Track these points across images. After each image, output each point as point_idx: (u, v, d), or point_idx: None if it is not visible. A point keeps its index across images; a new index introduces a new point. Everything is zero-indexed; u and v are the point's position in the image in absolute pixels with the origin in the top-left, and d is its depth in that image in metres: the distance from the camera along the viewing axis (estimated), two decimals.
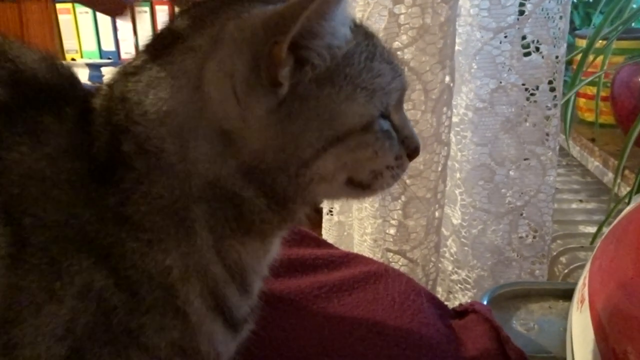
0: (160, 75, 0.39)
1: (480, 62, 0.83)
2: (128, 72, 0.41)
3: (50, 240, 0.35)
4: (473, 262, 0.93)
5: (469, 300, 0.95)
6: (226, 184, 0.39)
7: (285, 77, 0.38)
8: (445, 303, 1.00)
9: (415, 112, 0.76)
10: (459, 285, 0.96)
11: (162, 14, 2.31)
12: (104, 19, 2.34)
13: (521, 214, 0.90)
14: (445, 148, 0.82)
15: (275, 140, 0.39)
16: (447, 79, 0.78)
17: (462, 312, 0.68)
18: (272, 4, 0.42)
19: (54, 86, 0.41)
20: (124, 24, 2.35)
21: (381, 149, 0.43)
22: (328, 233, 1.06)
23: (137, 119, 0.38)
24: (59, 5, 2.35)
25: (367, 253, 0.87)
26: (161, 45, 0.41)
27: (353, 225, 0.93)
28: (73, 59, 2.42)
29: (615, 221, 0.61)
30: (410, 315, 0.64)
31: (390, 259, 0.84)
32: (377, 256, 0.85)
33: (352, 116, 0.41)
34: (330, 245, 0.80)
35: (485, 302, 0.72)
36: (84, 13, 2.37)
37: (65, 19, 2.38)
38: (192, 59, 0.39)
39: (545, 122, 0.86)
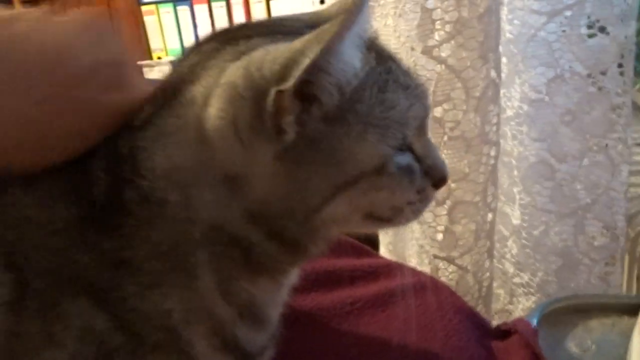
0: (165, 131, 0.38)
1: (534, 50, 0.75)
2: (135, 126, 0.40)
3: (49, 285, 0.36)
4: (536, 265, 0.86)
5: (533, 305, 0.89)
6: (232, 229, 0.39)
7: (290, 125, 0.36)
8: (507, 307, 0.95)
9: (456, 112, 0.71)
10: (522, 289, 0.89)
11: (238, 7, 2.36)
12: (184, 17, 2.44)
13: (588, 214, 0.81)
14: (494, 148, 0.76)
15: (281, 187, 0.38)
16: (493, 73, 0.72)
17: (505, 331, 0.63)
18: (269, 36, 0.40)
19: None
20: (202, 20, 2.43)
21: (399, 188, 0.40)
22: (385, 234, 1.03)
23: (144, 174, 0.38)
24: (143, 7, 2.48)
25: (415, 258, 0.84)
26: (164, 97, 0.40)
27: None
28: (159, 58, 2.55)
29: None
30: (443, 337, 0.60)
31: (439, 266, 0.80)
32: (424, 262, 0.81)
33: (363, 158, 0.38)
34: (371, 254, 0.78)
35: (536, 319, 0.66)
36: (166, 13, 2.48)
37: (150, 20, 2.50)
38: (192, 110, 0.38)
39: (615, 111, 0.77)
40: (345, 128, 0.37)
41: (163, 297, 0.38)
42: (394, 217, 0.41)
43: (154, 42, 2.52)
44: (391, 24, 0.71)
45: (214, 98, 0.37)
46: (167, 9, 2.46)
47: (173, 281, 0.38)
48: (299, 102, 0.36)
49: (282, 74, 0.34)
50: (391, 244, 1.01)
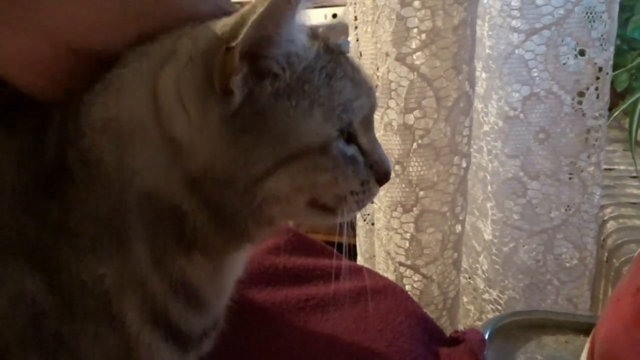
0: (112, 81, 0.39)
1: (512, 67, 0.76)
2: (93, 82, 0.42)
3: None
4: (505, 282, 0.86)
5: None
6: (166, 195, 0.39)
7: (237, 86, 0.37)
8: (476, 323, 0.95)
9: (427, 120, 0.72)
10: (490, 306, 0.89)
11: None
12: None
13: (558, 234, 0.81)
14: (465, 159, 0.76)
15: (225, 151, 0.38)
16: (466, 85, 0.73)
17: (455, 339, 0.63)
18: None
19: (16, 94, 0.44)
20: None
21: (342, 175, 0.41)
22: (362, 239, 1.04)
23: (84, 130, 0.39)
24: None
25: (382, 265, 0.84)
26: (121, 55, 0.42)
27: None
28: None
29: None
30: (390, 338, 0.60)
31: (404, 274, 0.80)
32: (390, 269, 0.81)
33: (307, 133, 0.39)
34: (335, 255, 0.78)
35: (489, 330, 0.66)
36: None
37: None
38: (146, 65, 0.39)
39: (589, 134, 0.77)
40: (292, 102, 0.39)
41: (97, 262, 0.38)
42: (337, 206, 0.42)
43: None
44: (370, 30, 0.73)
45: (170, 61, 0.38)
46: None
47: (107, 247, 0.39)
48: (247, 66, 0.37)
49: (232, 33, 0.36)
50: (367, 252, 1.02)
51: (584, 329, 0.65)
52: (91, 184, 0.39)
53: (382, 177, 0.45)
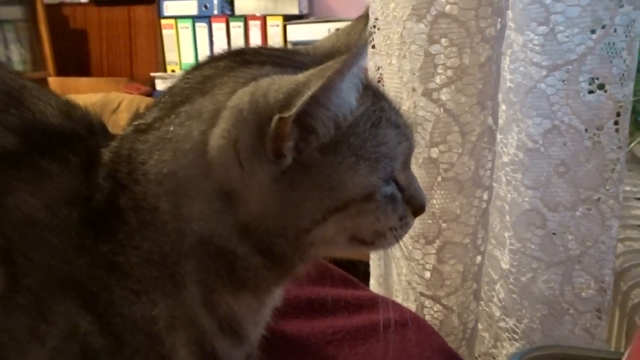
0: (167, 137, 0.41)
1: (533, 101, 0.77)
2: (139, 129, 0.43)
3: (39, 283, 0.38)
4: (522, 311, 0.86)
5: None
6: (220, 241, 0.41)
7: (289, 150, 0.38)
8: (491, 351, 0.95)
9: (451, 154, 0.72)
10: (507, 334, 0.90)
11: (255, 28, 2.40)
12: (202, 34, 2.48)
13: (576, 265, 0.82)
14: (487, 192, 0.77)
15: (275, 206, 0.40)
16: (490, 120, 0.74)
17: None
18: (280, 67, 0.42)
19: (66, 133, 0.44)
20: (219, 39, 2.47)
21: (383, 214, 0.43)
22: (376, 264, 1.04)
23: (139, 178, 0.40)
24: (163, 21, 2.52)
25: (401, 294, 0.84)
26: (172, 103, 0.42)
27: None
28: (173, 71, 2.58)
29: None
30: None
31: (424, 304, 0.80)
32: (410, 299, 0.82)
33: (354, 187, 0.41)
34: (357, 285, 0.79)
35: None
36: (185, 28, 2.52)
37: (168, 34, 2.54)
38: (198, 124, 0.40)
39: (608, 167, 0.78)
40: (339, 158, 0.40)
41: (150, 303, 0.39)
42: (377, 240, 0.44)
43: (170, 55, 2.56)
44: (395, 63, 0.73)
45: (221, 119, 0.39)
46: (185, 24, 2.50)
47: (161, 289, 0.40)
48: (298, 130, 0.38)
49: (285, 103, 0.37)
50: (381, 276, 1.02)
51: None
52: (145, 229, 0.39)
53: (418, 209, 0.47)
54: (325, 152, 0.40)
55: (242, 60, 0.43)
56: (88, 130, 0.46)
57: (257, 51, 0.46)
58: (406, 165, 0.46)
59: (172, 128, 0.41)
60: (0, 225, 0.38)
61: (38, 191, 0.40)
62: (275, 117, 0.37)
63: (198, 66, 0.45)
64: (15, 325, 0.37)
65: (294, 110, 0.36)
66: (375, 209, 0.42)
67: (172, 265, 0.40)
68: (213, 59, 0.46)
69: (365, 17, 0.52)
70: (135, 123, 0.44)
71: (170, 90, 0.45)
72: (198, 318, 0.42)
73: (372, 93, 0.44)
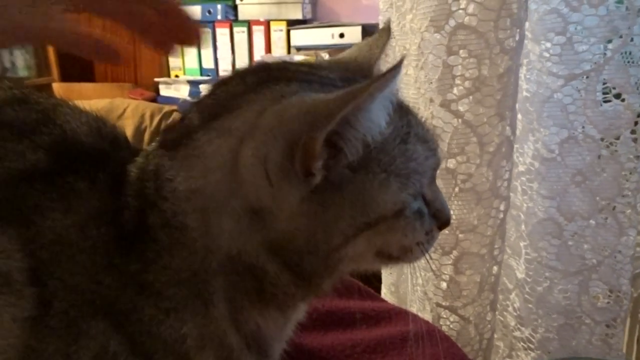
0: (194, 154, 0.40)
1: (550, 110, 0.77)
2: (166, 145, 0.42)
3: (70, 304, 0.37)
4: (537, 320, 0.86)
5: None
6: (249, 258, 0.40)
7: (318, 169, 0.38)
8: None
9: (469, 165, 0.72)
10: (522, 344, 0.89)
11: (259, 33, 2.39)
12: (206, 39, 2.47)
13: (593, 275, 0.82)
14: (504, 202, 0.77)
15: (305, 225, 0.40)
16: (508, 130, 0.73)
17: None
18: (307, 83, 0.42)
19: (94, 150, 0.44)
20: (223, 44, 2.47)
21: (412, 230, 0.42)
22: (387, 272, 1.04)
23: (166, 195, 0.40)
24: None
25: (417, 305, 0.84)
26: (201, 120, 0.42)
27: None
28: (177, 76, 2.58)
29: None
30: None
31: (441, 315, 0.80)
32: (427, 309, 0.81)
33: (385, 204, 0.40)
34: (375, 297, 0.79)
35: None
36: None
37: None
38: (227, 142, 0.40)
39: (625, 176, 0.78)
40: (369, 176, 0.40)
41: (180, 322, 0.39)
42: (403, 255, 0.44)
43: (173, 61, 2.56)
44: (412, 74, 0.73)
45: (251, 137, 0.38)
46: None
47: (191, 307, 0.39)
48: (327, 149, 0.37)
49: (315, 123, 0.36)
50: (393, 285, 1.02)
51: None
52: (174, 247, 0.39)
53: (444, 223, 0.47)
54: (355, 170, 0.40)
55: (270, 77, 0.43)
56: (114, 146, 0.45)
57: (284, 67, 0.45)
58: (433, 179, 0.46)
59: (200, 144, 0.40)
60: (30, 244, 0.37)
61: (68, 210, 0.39)
62: (305, 137, 0.37)
63: (224, 81, 0.45)
64: (46, 348, 0.37)
65: (323, 131, 0.36)
66: (405, 225, 0.42)
67: (201, 283, 0.40)
68: (238, 74, 0.45)
69: (387, 30, 0.51)
70: (162, 139, 0.43)
71: (197, 105, 0.44)
72: (226, 336, 0.41)
73: (399, 108, 0.43)
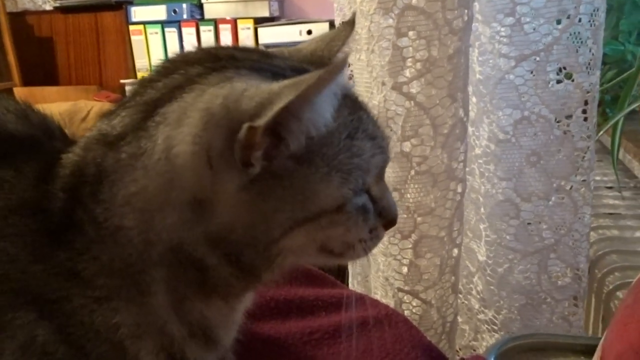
0: (137, 153, 0.38)
1: (503, 92, 0.77)
2: (108, 141, 0.40)
3: None
4: (500, 302, 0.86)
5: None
6: (191, 251, 0.39)
7: (257, 159, 0.37)
8: (472, 343, 0.95)
9: (424, 147, 0.72)
10: (486, 326, 0.90)
11: (226, 32, 2.38)
12: (172, 39, 2.45)
13: (552, 254, 0.83)
14: (461, 184, 0.77)
15: (244, 216, 0.39)
16: (461, 112, 0.74)
17: None
18: (257, 71, 0.41)
19: (23, 138, 0.43)
20: (190, 43, 2.44)
21: (354, 226, 0.42)
22: (354, 265, 1.03)
23: (104, 198, 0.38)
24: (131, 27, 2.48)
25: (380, 291, 0.84)
26: (143, 113, 0.40)
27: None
28: (143, 77, 2.55)
29: None
30: None
31: (403, 299, 0.80)
32: (389, 295, 0.81)
33: (325, 198, 0.40)
34: (334, 284, 0.78)
35: (493, 356, 0.67)
36: (154, 34, 2.49)
37: (137, 40, 2.51)
38: (162, 129, 0.38)
39: (578, 155, 0.79)
40: (311, 169, 0.39)
41: (112, 311, 0.38)
42: (346, 252, 0.43)
43: (140, 62, 2.53)
44: (364, 58, 0.73)
45: (190, 120, 0.37)
46: (155, 30, 2.47)
47: (124, 297, 0.38)
48: (268, 139, 0.37)
49: (257, 112, 0.36)
50: (360, 274, 1.01)
51: (586, 350, 0.67)
52: (105, 243, 0.38)
53: (389, 222, 0.46)
54: (297, 162, 0.39)
55: (215, 66, 0.42)
56: (46, 135, 0.44)
57: (232, 55, 0.43)
58: (380, 177, 0.45)
59: (141, 142, 0.39)
60: None
61: None
62: (245, 125, 0.36)
63: (167, 70, 0.43)
64: None
65: (264, 120, 0.35)
66: (346, 220, 0.41)
67: (137, 273, 0.39)
68: (185, 60, 0.43)
69: (350, 23, 0.50)
70: (102, 132, 0.41)
71: (139, 94, 0.42)
72: (166, 325, 0.40)
73: (350, 103, 0.42)
